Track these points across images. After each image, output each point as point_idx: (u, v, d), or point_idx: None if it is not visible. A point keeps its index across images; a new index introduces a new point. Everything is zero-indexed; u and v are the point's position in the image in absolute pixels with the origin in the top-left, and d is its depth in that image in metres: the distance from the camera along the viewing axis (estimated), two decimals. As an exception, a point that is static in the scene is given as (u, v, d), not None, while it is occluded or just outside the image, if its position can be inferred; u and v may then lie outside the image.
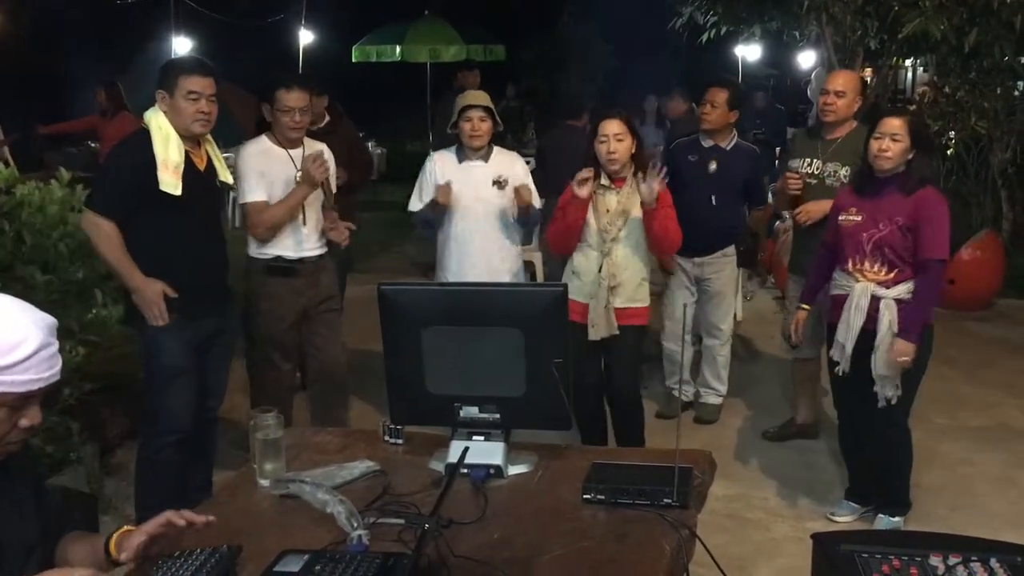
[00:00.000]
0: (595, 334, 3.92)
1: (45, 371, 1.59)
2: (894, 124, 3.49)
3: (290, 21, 11.74)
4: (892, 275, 3.52)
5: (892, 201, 3.52)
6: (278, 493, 2.24)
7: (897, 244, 3.50)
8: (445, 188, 4.15)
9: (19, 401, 1.59)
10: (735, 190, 4.75)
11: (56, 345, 1.63)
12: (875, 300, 3.52)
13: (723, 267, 4.82)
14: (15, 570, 1.68)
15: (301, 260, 3.94)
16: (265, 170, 3.85)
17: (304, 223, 3.91)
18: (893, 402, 3.55)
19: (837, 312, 3.66)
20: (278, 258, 3.93)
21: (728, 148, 4.79)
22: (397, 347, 2.36)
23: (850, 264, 3.60)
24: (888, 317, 3.49)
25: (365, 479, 2.31)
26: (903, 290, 3.52)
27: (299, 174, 3.84)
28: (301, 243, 3.93)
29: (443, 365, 2.33)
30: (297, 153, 3.92)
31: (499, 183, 4.23)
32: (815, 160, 4.35)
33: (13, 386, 1.56)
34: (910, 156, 3.51)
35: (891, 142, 3.48)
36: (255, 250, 3.96)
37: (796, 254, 4.53)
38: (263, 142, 3.94)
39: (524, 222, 4.31)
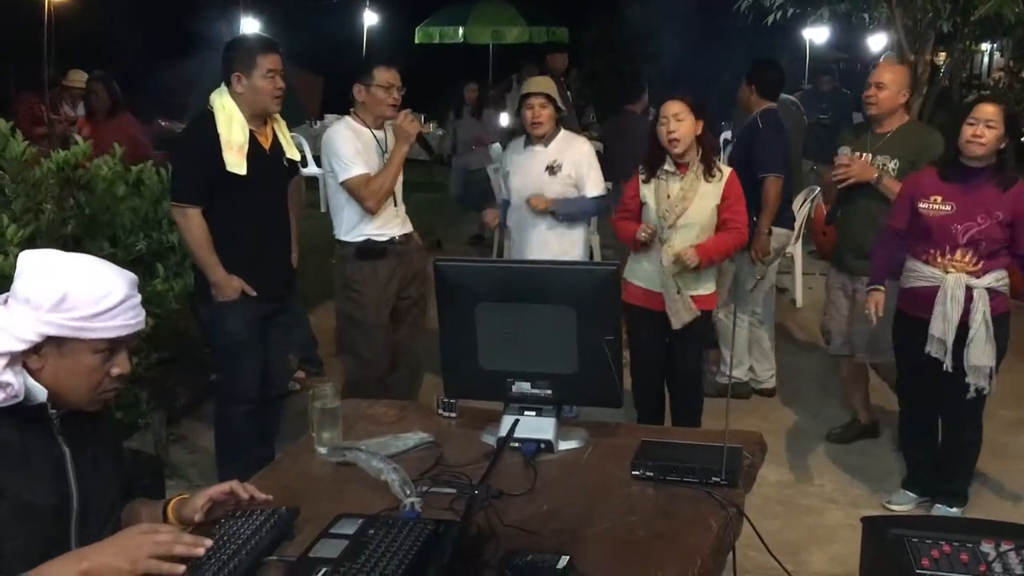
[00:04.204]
0: (677, 323, 3.84)
1: (132, 319, 1.75)
2: (989, 111, 3.41)
3: (355, 2, 11.87)
4: (981, 265, 3.46)
5: (988, 194, 3.44)
6: (335, 460, 2.31)
7: (995, 238, 3.44)
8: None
9: (110, 346, 1.73)
10: (739, 167, 4.27)
11: (139, 297, 1.77)
12: (968, 290, 3.45)
13: None
14: (99, 524, 1.78)
15: (391, 240, 3.92)
16: (360, 148, 3.83)
17: (396, 203, 3.91)
18: (986, 392, 3.50)
19: (923, 305, 3.54)
20: (368, 240, 3.89)
21: (747, 123, 4.75)
22: (451, 322, 2.41)
23: (936, 255, 3.51)
24: (982, 308, 3.43)
25: (419, 450, 2.37)
26: (992, 279, 3.47)
27: (387, 155, 3.86)
28: (388, 223, 3.91)
29: (496, 341, 2.36)
30: (381, 135, 3.91)
31: (551, 168, 4.25)
32: (864, 154, 4.14)
33: (105, 331, 1.70)
34: (1002, 145, 3.44)
35: (985, 128, 3.40)
36: (344, 234, 3.93)
37: (842, 248, 4.25)
38: (350, 123, 3.90)
39: (564, 219, 4.29)
